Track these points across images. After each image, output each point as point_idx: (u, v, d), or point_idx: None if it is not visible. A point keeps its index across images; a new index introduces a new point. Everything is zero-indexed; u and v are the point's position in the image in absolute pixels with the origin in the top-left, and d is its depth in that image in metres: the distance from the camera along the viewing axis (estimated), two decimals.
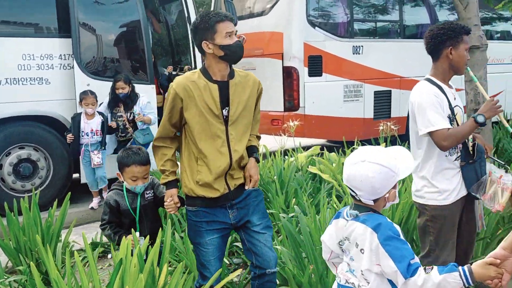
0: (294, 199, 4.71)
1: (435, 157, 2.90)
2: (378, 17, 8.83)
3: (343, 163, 5.99)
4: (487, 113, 2.87)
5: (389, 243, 1.85)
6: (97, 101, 5.68)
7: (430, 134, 2.83)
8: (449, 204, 2.90)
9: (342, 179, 5.77)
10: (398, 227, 1.93)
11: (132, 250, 2.73)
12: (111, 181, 5.83)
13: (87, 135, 5.63)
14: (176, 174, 2.86)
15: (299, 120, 7.02)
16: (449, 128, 2.80)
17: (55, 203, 4.25)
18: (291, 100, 7.66)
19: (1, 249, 4.03)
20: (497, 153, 6.61)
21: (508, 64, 9.86)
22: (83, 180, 6.03)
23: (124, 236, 2.97)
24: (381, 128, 6.90)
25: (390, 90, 8.51)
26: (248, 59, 7.34)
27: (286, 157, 6.01)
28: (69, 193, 4.47)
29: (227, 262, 3.84)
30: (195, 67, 6.78)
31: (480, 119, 2.82)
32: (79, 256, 3.62)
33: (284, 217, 3.74)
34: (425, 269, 1.81)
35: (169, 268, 3.16)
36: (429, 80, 2.97)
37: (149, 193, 3.21)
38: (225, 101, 2.67)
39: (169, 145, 2.81)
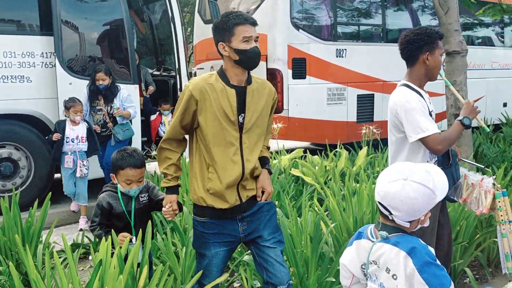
0: (276, 202, 4.72)
1: (418, 162, 2.89)
2: (361, 21, 8.92)
3: (325, 166, 6.00)
4: (470, 115, 2.93)
5: (426, 270, 1.72)
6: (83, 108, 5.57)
7: (422, 140, 2.80)
8: (431, 208, 2.95)
9: (324, 182, 5.76)
10: (432, 250, 1.81)
11: (127, 252, 2.69)
12: (94, 182, 5.82)
13: (72, 142, 5.42)
14: (179, 179, 2.72)
15: (283, 122, 7.04)
16: (439, 133, 2.82)
17: (36, 203, 4.19)
18: None
19: None
20: (476, 158, 6.67)
21: (488, 70, 10.01)
22: None
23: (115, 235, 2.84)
24: (364, 131, 6.97)
25: (373, 94, 8.60)
26: None
27: None
28: (50, 193, 4.42)
29: None
30: (179, 67, 6.76)
31: (467, 121, 2.89)
32: (60, 257, 3.59)
33: None
34: None
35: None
36: (407, 85, 2.95)
37: (144, 196, 3.05)
38: (241, 107, 2.53)
39: (175, 149, 2.65)
